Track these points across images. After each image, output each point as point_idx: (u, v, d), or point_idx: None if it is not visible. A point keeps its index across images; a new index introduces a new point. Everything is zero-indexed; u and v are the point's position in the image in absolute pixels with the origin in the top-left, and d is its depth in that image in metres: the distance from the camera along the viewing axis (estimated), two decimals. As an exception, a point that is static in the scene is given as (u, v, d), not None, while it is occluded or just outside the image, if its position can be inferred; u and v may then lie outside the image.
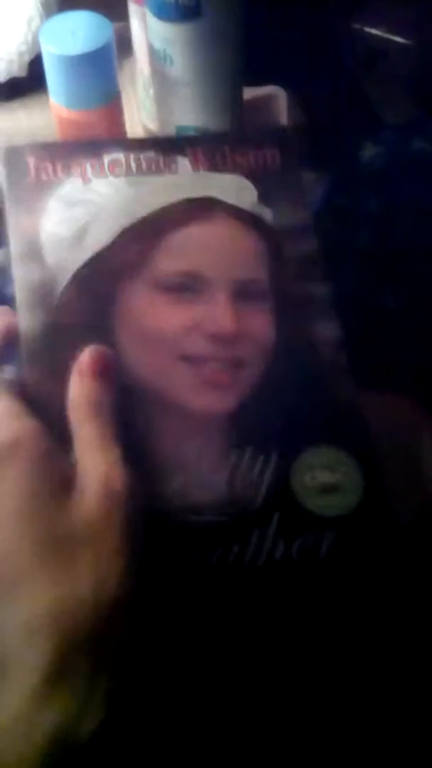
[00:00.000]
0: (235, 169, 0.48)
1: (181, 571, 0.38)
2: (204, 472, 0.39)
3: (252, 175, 0.48)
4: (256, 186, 0.47)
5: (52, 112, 0.53)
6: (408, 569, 0.40)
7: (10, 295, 0.44)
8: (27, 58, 0.62)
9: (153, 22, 0.50)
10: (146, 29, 0.52)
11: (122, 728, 0.33)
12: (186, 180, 0.47)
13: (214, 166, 0.48)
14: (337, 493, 0.40)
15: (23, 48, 0.61)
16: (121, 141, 0.55)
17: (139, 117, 0.62)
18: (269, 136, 0.50)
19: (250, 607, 0.39)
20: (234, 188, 0.47)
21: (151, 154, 0.48)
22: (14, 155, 0.47)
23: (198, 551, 0.38)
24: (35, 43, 0.61)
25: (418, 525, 0.45)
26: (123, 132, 0.55)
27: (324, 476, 0.40)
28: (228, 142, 0.49)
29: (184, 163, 0.48)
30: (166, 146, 0.48)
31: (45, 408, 0.40)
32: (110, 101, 0.52)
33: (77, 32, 0.49)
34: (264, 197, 0.47)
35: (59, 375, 0.40)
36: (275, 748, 0.41)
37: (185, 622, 0.40)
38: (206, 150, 0.48)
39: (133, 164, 0.47)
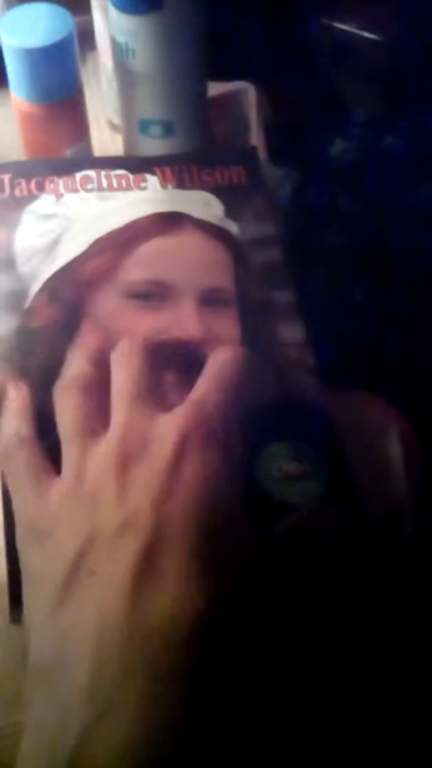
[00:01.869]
0: (202, 185, 0.50)
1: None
2: None
3: (218, 191, 0.50)
4: (222, 201, 0.50)
5: (13, 106, 0.53)
6: (372, 557, 0.40)
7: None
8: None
9: (115, 14, 0.50)
10: (108, 22, 0.51)
11: None
12: (155, 196, 0.49)
13: (182, 183, 0.50)
14: (302, 484, 0.40)
15: (-16, 41, 0.60)
16: (92, 159, 0.57)
17: (104, 111, 0.61)
18: (235, 155, 0.54)
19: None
20: (201, 204, 0.49)
21: (121, 171, 0.50)
22: None
23: None
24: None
25: (386, 522, 0.45)
26: (86, 126, 0.55)
27: (290, 468, 0.41)
28: (195, 161, 0.51)
29: (153, 180, 0.50)
30: (135, 164, 0.50)
31: None
32: (72, 95, 0.52)
33: (37, 24, 0.48)
34: (230, 212, 0.49)
35: (28, 377, 0.42)
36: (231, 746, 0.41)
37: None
38: (174, 168, 0.50)
39: (104, 181, 0.49)
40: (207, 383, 0.39)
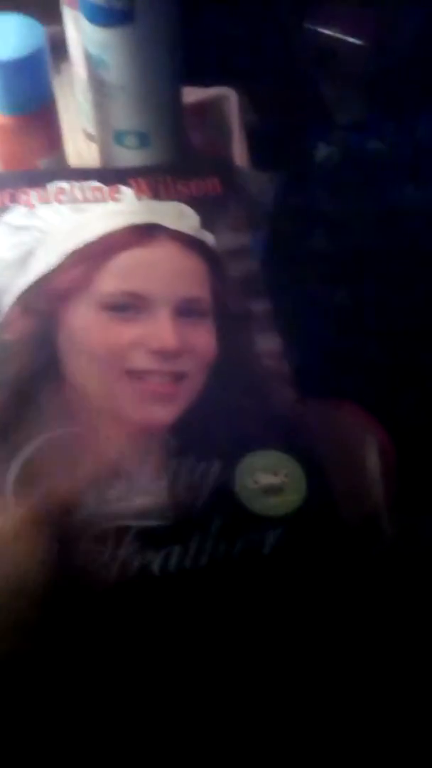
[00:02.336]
0: (177, 196, 0.50)
1: (122, 577, 0.38)
2: (145, 479, 0.40)
3: (194, 202, 0.50)
4: (197, 212, 0.49)
5: (-13, 118, 0.52)
6: (352, 564, 0.40)
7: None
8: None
9: (87, 26, 0.49)
10: (81, 33, 0.51)
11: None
12: (130, 207, 0.49)
13: (157, 195, 0.50)
14: (280, 493, 0.40)
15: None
16: (66, 171, 0.56)
17: (79, 122, 0.61)
18: (210, 166, 0.54)
19: (194, 609, 0.40)
20: (176, 215, 0.49)
21: (95, 183, 0.50)
22: None
23: (139, 555, 0.38)
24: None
25: (364, 529, 0.45)
26: (59, 137, 0.55)
27: (267, 478, 0.41)
28: (170, 172, 0.51)
29: (127, 191, 0.50)
30: (110, 176, 0.50)
31: None
32: (44, 106, 0.51)
33: (8, 36, 0.48)
34: (206, 223, 0.49)
35: (2, 388, 0.42)
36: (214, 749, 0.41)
37: (128, 628, 0.40)
38: (149, 179, 0.50)
39: (78, 192, 0.49)
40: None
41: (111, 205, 0.50)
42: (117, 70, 0.50)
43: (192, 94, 0.59)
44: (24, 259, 0.47)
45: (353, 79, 0.78)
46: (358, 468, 0.47)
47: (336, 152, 0.76)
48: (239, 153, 0.64)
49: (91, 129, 0.59)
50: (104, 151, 0.56)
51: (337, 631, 0.42)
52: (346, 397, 0.51)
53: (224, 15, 0.73)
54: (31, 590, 0.34)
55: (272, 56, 0.77)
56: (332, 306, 0.69)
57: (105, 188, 0.50)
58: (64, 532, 0.38)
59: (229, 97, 0.68)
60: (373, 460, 0.47)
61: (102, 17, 0.48)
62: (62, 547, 0.38)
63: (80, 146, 0.61)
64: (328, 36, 0.76)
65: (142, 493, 0.41)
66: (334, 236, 0.71)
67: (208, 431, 0.43)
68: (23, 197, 0.50)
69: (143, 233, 0.48)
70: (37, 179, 0.50)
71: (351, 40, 0.75)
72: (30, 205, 0.49)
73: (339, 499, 0.42)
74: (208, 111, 0.67)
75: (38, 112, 0.51)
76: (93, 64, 0.51)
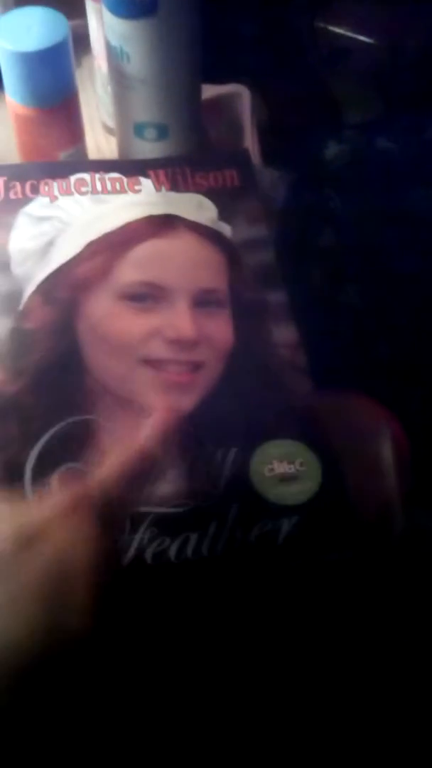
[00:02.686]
0: (195, 188, 0.51)
1: (138, 562, 0.38)
2: (164, 467, 0.40)
3: (212, 194, 0.50)
4: (215, 204, 0.50)
5: (9, 109, 0.53)
6: (366, 554, 0.41)
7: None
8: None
9: (109, 18, 0.50)
10: (103, 26, 0.52)
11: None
12: (149, 199, 0.50)
13: (176, 186, 0.51)
14: (295, 482, 0.41)
15: (-21, 44, 0.61)
16: (87, 163, 0.57)
17: (99, 114, 0.62)
18: (228, 158, 0.54)
19: (210, 595, 0.40)
20: (195, 206, 0.49)
21: (115, 174, 0.50)
22: None
23: (156, 541, 0.39)
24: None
25: (377, 520, 0.45)
26: (81, 129, 0.55)
27: (282, 467, 0.41)
28: (189, 164, 0.52)
29: (147, 183, 0.50)
30: (129, 168, 0.51)
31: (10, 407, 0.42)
32: (67, 98, 0.52)
33: (33, 28, 0.49)
34: (223, 214, 0.50)
35: (22, 378, 0.42)
36: (222, 741, 0.42)
37: (147, 615, 0.40)
38: (168, 171, 0.51)
39: (98, 184, 0.50)
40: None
41: (130, 197, 0.50)
42: (138, 63, 0.51)
43: (205, 91, 0.59)
44: (45, 249, 0.47)
45: (365, 78, 0.78)
46: (372, 459, 0.47)
47: (346, 151, 0.76)
48: (251, 150, 0.64)
49: (111, 122, 0.59)
50: (123, 144, 0.57)
51: (348, 620, 0.43)
52: (361, 390, 0.51)
53: (237, 13, 0.74)
54: (81, 573, 0.34)
55: (284, 54, 0.77)
56: (340, 303, 0.70)
57: (125, 180, 0.51)
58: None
59: (241, 94, 0.69)
60: (386, 452, 0.47)
61: (125, 9, 0.49)
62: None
63: (99, 139, 0.61)
64: (340, 34, 0.76)
65: (160, 479, 0.41)
66: (343, 234, 0.72)
67: (225, 420, 0.43)
68: (45, 188, 0.50)
69: (162, 224, 0.49)
70: (58, 171, 0.51)
71: (362, 38, 0.76)
72: (51, 196, 0.50)
73: (352, 490, 0.42)
74: (220, 108, 0.67)
75: (61, 105, 0.52)
76: (114, 56, 0.51)
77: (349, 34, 0.76)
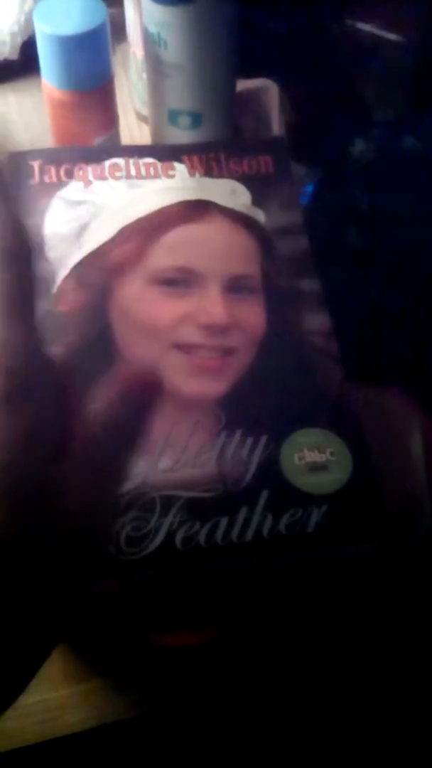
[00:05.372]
0: (230, 174, 0.51)
1: (167, 545, 0.38)
2: (194, 452, 0.41)
3: (246, 180, 0.50)
4: (249, 190, 0.50)
5: (44, 93, 0.53)
6: (394, 547, 0.41)
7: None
8: (19, 40, 0.62)
9: (148, 4, 0.50)
10: (141, 13, 0.52)
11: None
12: (183, 184, 0.50)
13: (210, 172, 0.50)
14: (325, 471, 0.41)
15: (15, 29, 0.61)
16: (121, 148, 0.57)
17: (131, 102, 0.62)
18: (263, 144, 0.54)
19: (238, 582, 0.40)
20: (228, 192, 0.49)
21: (149, 159, 0.50)
22: (20, 159, 0.50)
23: (186, 525, 0.39)
24: (28, 24, 0.61)
25: (405, 515, 0.45)
26: (115, 115, 0.55)
27: (312, 456, 0.41)
28: (223, 149, 0.51)
29: (181, 168, 0.50)
30: (164, 153, 0.51)
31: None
32: (103, 83, 0.52)
33: (72, 12, 0.49)
34: (257, 200, 0.50)
35: (54, 360, 0.42)
36: (264, 741, 0.42)
37: (175, 597, 0.40)
38: (202, 156, 0.51)
39: (132, 169, 0.50)
40: None
41: (164, 182, 0.50)
42: (175, 49, 0.51)
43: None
44: (79, 233, 0.48)
45: (393, 76, 0.78)
46: (402, 454, 0.47)
47: (372, 149, 0.76)
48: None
49: (144, 109, 0.59)
50: (157, 131, 0.57)
51: (373, 611, 0.43)
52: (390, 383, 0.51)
53: (266, 8, 0.74)
54: None
55: (313, 51, 0.77)
56: (365, 302, 0.70)
57: (159, 165, 0.51)
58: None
59: (269, 89, 0.69)
60: (417, 447, 0.47)
61: (164, -5, 0.49)
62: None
63: (132, 126, 0.62)
64: (368, 32, 0.76)
65: (190, 464, 0.41)
66: (369, 233, 0.72)
67: (257, 406, 0.43)
68: (79, 173, 0.50)
69: (195, 209, 0.49)
70: (93, 155, 0.51)
71: (391, 37, 0.75)
72: (86, 181, 0.50)
73: (382, 483, 0.42)
74: (248, 101, 0.67)
75: (97, 90, 0.52)
76: (151, 42, 0.52)
77: (379, 32, 0.76)
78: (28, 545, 0.25)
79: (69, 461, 0.27)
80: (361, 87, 0.79)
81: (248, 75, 0.67)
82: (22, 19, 0.61)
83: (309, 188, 0.71)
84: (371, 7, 0.76)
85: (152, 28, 0.51)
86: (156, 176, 0.50)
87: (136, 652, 0.42)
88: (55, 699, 0.41)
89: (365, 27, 0.76)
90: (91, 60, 0.50)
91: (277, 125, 0.67)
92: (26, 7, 0.61)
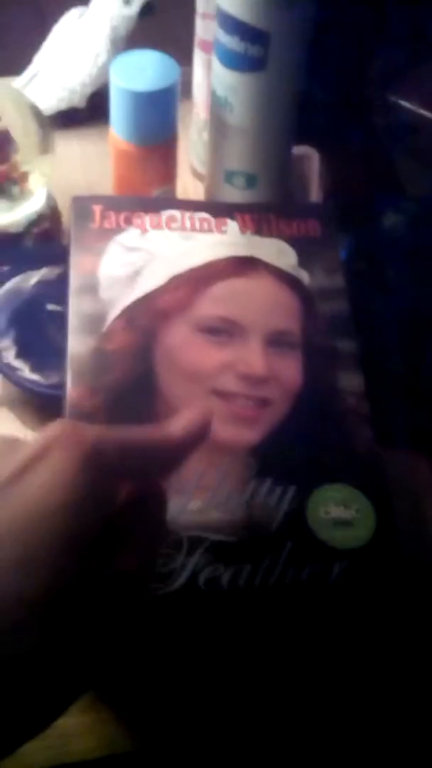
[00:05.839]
0: (278, 234, 0.53)
1: (190, 585, 0.39)
2: (224, 496, 0.42)
3: (293, 242, 0.52)
4: (296, 251, 0.52)
5: (110, 143, 0.55)
6: (411, 602, 0.41)
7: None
8: (89, 91, 0.65)
9: (219, 68, 0.52)
10: (210, 75, 0.54)
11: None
12: (233, 240, 0.52)
13: (260, 231, 0.53)
14: (349, 527, 0.42)
15: (87, 80, 0.64)
16: (178, 201, 0.60)
17: (188, 159, 0.64)
18: (311, 209, 0.57)
19: (257, 628, 0.41)
20: (276, 251, 0.52)
21: (204, 214, 0.52)
22: (83, 203, 0.52)
23: (210, 567, 0.40)
24: (98, 76, 0.64)
25: (423, 575, 0.46)
26: (174, 170, 0.58)
27: (338, 511, 0.42)
28: (274, 211, 0.54)
29: (233, 225, 0.53)
30: (218, 209, 0.53)
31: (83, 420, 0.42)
32: (168, 139, 0.54)
33: (147, 70, 0.52)
34: (303, 262, 0.52)
35: (99, 395, 0.44)
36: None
37: (191, 639, 0.41)
38: (254, 216, 0.53)
39: (187, 222, 0.52)
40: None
41: (216, 236, 0.52)
42: (240, 113, 0.53)
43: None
44: (132, 278, 0.49)
45: (428, 153, 0.80)
46: (425, 519, 0.48)
47: (404, 222, 0.78)
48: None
49: (200, 166, 0.61)
50: (212, 188, 0.59)
51: (389, 667, 0.44)
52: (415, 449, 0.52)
53: (313, 78, 0.76)
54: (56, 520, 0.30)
55: (354, 123, 0.80)
56: (386, 371, 0.71)
57: (212, 220, 0.53)
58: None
59: (311, 157, 0.71)
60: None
61: (235, 62, 0.51)
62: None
63: (186, 182, 0.64)
64: (409, 109, 0.79)
65: (220, 508, 0.42)
66: (393, 303, 0.73)
67: (288, 458, 0.44)
68: (137, 221, 0.52)
69: (243, 265, 0.51)
70: (151, 206, 0.53)
71: (430, 115, 0.78)
72: (143, 229, 0.52)
73: (403, 543, 0.43)
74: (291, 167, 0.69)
75: (161, 145, 0.54)
76: (218, 105, 0.54)
77: (418, 110, 0.79)
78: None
79: None
80: (398, 162, 0.81)
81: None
82: (94, 71, 0.64)
83: (342, 254, 0.73)
84: (414, 86, 0.79)
85: (220, 92, 0.53)
86: (209, 231, 0.53)
87: (144, 685, 0.43)
88: (63, 725, 0.42)
89: (407, 104, 0.79)
90: (159, 116, 0.53)
91: (315, 192, 0.69)
92: (99, 61, 0.64)
